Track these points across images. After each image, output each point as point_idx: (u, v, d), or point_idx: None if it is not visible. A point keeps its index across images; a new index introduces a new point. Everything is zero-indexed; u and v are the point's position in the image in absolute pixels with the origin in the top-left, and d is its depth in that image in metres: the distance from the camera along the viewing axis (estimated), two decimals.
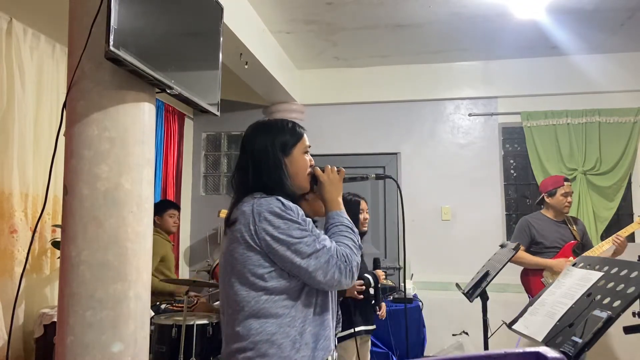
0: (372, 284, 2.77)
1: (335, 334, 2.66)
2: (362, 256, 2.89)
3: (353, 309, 2.72)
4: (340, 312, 2.57)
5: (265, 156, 1.50)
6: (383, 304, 3.00)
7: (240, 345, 1.37)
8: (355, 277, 1.42)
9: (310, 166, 1.58)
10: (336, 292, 1.58)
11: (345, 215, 1.56)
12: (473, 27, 4.03)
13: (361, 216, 2.91)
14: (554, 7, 3.67)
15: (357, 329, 2.72)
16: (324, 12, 3.77)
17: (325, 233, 1.49)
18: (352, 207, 2.89)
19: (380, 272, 2.90)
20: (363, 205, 2.95)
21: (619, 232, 3.29)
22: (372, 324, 2.88)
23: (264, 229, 1.36)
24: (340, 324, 2.58)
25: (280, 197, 1.41)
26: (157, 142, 3.92)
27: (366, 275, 2.76)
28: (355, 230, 1.54)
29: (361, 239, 2.93)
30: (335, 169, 1.61)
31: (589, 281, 1.61)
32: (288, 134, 1.54)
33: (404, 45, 4.42)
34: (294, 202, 1.45)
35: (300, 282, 1.40)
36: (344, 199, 2.96)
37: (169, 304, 3.63)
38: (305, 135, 1.59)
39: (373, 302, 2.84)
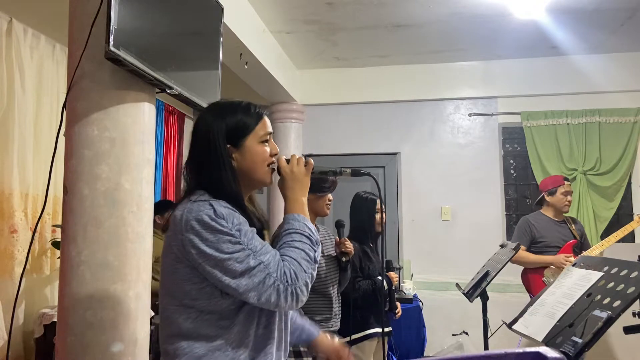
0: (386, 288, 2.72)
1: (350, 339, 2.63)
2: (378, 255, 2.85)
3: (368, 312, 2.69)
4: (340, 309, 2.54)
5: (206, 148, 1.23)
6: (398, 304, 2.98)
7: None
8: (302, 298, 1.17)
9: (273, 155, 1.30)
10: (287, 313, 1.34)
11: (306, 220, 1.25)
12: (473, 27, 4.02)
13: (377, 216, 2.83)
14: (554, 7, 3.67)
15: (370, 331, 2.69)
16: (324, 12, 3.76)
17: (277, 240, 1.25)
18: (368, 205, 2.84)
19: (393, 275, 2.86)
20: (379, 204, 2.87)
21: (618, 231, 3.31)
22: (387, 326, 2.84)
23: (190, 241, 1.15)
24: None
25: (214, 203, 1.17)
26: (157, 142, 3.92)
27: (379, 278, 2.70)
28: (315, 238, 1.23)
29: (376, 239, 2.90)
30: (303, 160, 1.31)
31: (589, 281, 1.61)
32: (239, 118, 1.26)
33: (404, 45, 4.42)
34: (240, 206, 1.22)
35: (237, 301, 1.18)
36: (359, 197, 2.94)
37: None
38: (265, 119, 1.29)
39: (388, 306, 2.80)
